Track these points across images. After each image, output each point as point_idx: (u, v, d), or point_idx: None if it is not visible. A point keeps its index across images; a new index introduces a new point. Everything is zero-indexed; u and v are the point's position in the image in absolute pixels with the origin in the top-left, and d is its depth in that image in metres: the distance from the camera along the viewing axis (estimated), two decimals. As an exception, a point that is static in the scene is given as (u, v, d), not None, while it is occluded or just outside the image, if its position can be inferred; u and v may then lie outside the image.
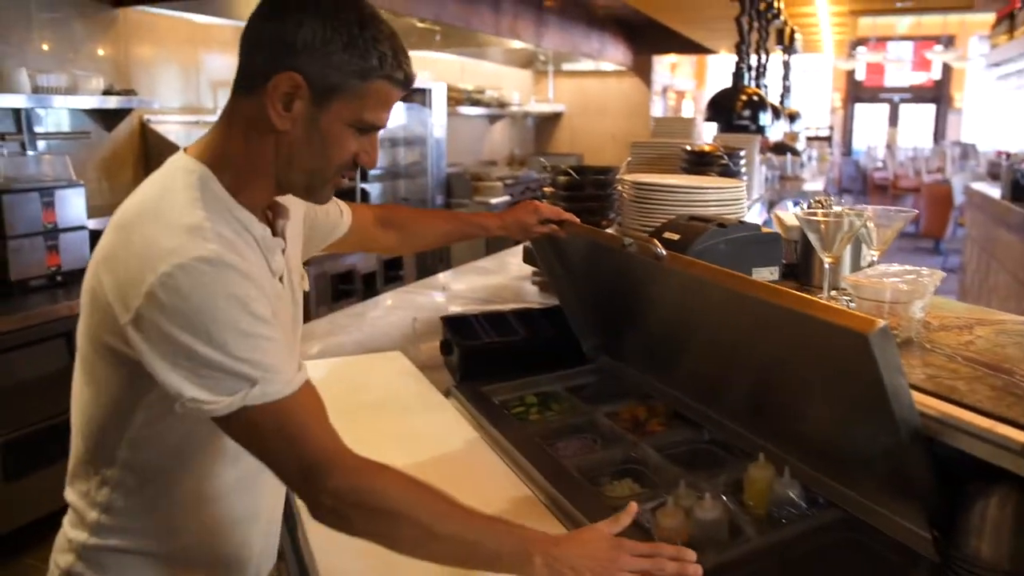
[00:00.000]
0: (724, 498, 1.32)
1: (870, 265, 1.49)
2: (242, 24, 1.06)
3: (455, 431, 1.69)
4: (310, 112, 1.02)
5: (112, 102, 3.64)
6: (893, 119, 16.24)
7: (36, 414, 2.99)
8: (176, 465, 1.09)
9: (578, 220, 1.72)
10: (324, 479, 0.98)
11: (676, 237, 1.62)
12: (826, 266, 1.46)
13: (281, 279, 1.13)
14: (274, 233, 1.12)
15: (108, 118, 3.81)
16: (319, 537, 1.27)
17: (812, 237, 1.45)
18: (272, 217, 1.14)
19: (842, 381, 1.14)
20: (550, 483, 1.42)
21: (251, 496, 1.18)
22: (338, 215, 1.50)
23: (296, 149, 1.04)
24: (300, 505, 1.09)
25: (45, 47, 3.58)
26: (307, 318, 2.00)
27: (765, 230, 1.70)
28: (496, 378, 1.90)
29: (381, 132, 1.12)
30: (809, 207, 1.56)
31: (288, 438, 0.98)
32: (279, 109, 1.00)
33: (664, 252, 1.39)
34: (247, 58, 1.03)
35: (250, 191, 1.06)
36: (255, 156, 1.05)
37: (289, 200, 1.18)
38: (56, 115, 3.60)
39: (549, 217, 1.72)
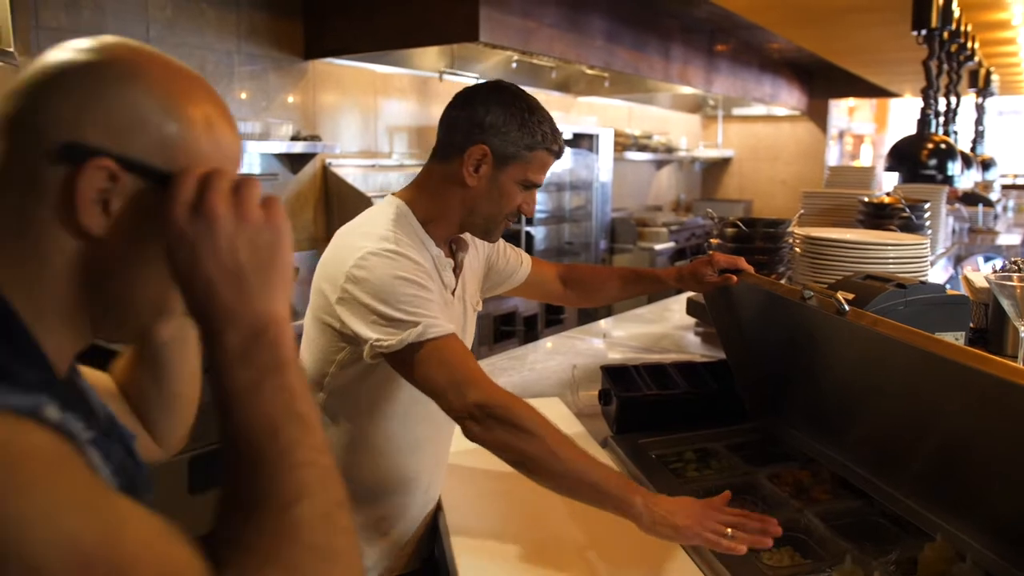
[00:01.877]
0: (896, 579, 1.23)
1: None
2: (416, 73, 1.27)
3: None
4: (493, 174, 1.43)
5: (299, 147, 3.94)
6: (1107, 164, 14.67)
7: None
8: (359, 414, 1.46)
9: (753, 270, 1.72)
10: (470, 393, 1.26)
11: (851, 297, 1.55)
12: (1022, 335, 1.34)
13: (453, 293, 1.52)
14: (455, 260, 1.53)
15: (295, 161, 4.12)
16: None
17: (1005, 304, 1.35)
18: (455, 249, 1.55)
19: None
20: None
21: (416, 457, 1.53)
22: (517, 264, 1.82)
23: (479, 200, 1.45)
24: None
25: (243, 96, 3.93)
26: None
27: (951, 292, 1.59)
28: (654, 431, 1.87)
29: (548, 177, 1.50)
30: (1003, 269, 1.46)
31: (441, 364, 1.29)
32: (471, 171, 1.42)
33: (847, 307, 1.34)
34: (445, 136, 1.46)
35: (436, 226, 1.47)
36: (445, 203, 1.46)
37: (474, 241, 1.61)
38: (249, 158, 3.94)
39: (725, 267, 1.74)
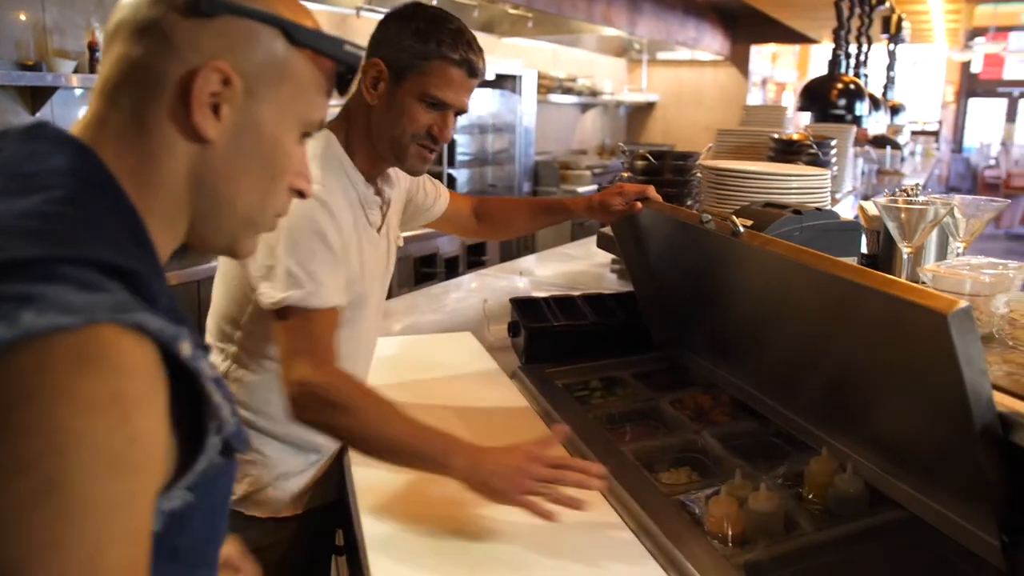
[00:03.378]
0: (781, 490, 1.28)
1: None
2: (332, 9, 1.17)
3: (515, 409, 1.70)
4: (390, 90, 1.34)
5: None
6: (1011, 115, 15.29)
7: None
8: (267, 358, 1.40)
9: (661, 199, 1.71)
10: (299, 370, 1.22)
11: (749, 223, 1.58)
12: (904, 257, 1.39)
13: (380, 231, 1.47)
14: (382, 198, 1.47)
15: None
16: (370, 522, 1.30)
17: (891, 226, 1.39)
18: (382, 184, 1.48)
19: (917, 371, 1.09)
20: (604, 466, 1.41)
21: None
22: (435, 197, 1.77)
23: (380, 121, 1.36)
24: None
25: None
26: (389, 296, 2.05)
27: (844, 219, 1.63)
28: (562, 362, 1.89)
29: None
30: (893, 195, 1.50)
31: (298, 334, 1.26)
32: (369, 88, 1.35)
33: (742, 228, 1.36)
34: None
35: (358, 157, 1.40)
36: (358, 129, 1.39)
37: (399, 175, 1.55)
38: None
39: (634, 197, 1.72)
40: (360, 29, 4.66)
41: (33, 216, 0.54)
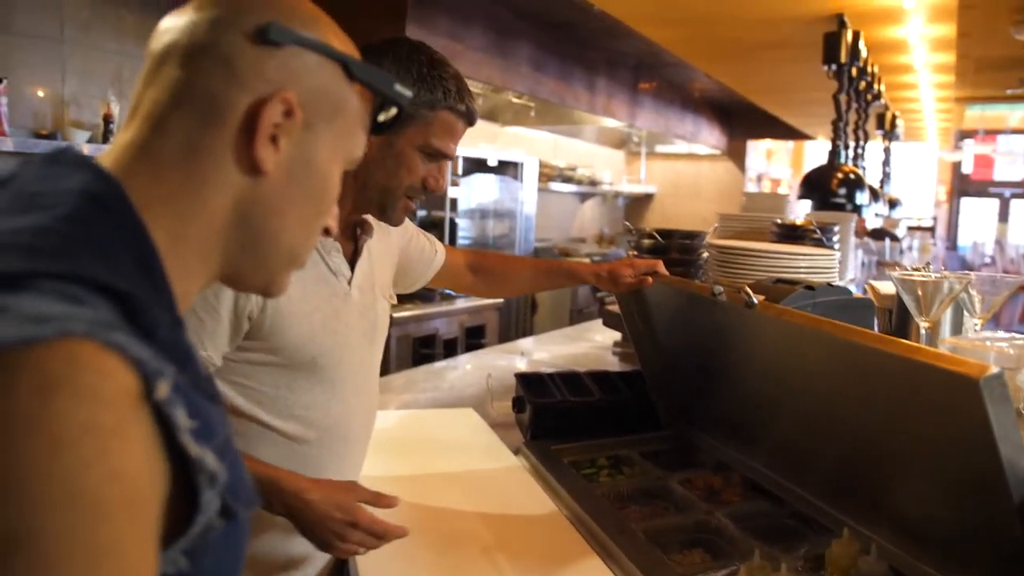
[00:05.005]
0: (803, 573, 1.22)
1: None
2: None
3: (520, 486, 1.64)
4: (387, 138, 1.21)
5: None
6: (1004, 214, 15.55)
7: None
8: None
9: (670, 275, 1.70)
10: None
11: (761, 299, 1.56)
12: (923, 331, 1.37)
13: (350, 283, 1.32)
14: (357, 246, 1.35)
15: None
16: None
17: (908, 299, 1.37)
18: (359, 232, 1.36)
19: (946, 444, 1.05)
20: (615, 544, 1.34)
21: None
22: (432, 253, 1.68)
23: (373, 169, 1.23)
24: None
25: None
26: (384, 373, 2.00)
27: (857, 295, 1.62)
28: (568, 439, 1.84)
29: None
30: (905, 271, 1.48)
31: None
32: None
33: (756, 300, 1.33)
34: None
35: None
36: None
37: (389, 230, 1.43)
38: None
39: (644, 271, 1.70)
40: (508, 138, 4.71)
41: (25, 232, 0.50)
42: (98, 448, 0.43)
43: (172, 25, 0.65)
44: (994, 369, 0.86)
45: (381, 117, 0.75)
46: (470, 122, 1.30)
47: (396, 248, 1.54)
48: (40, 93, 3.22)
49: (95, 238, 0.53)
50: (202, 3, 0.65)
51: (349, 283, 1.33)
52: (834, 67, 3.52)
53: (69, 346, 0.43)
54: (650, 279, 1.68)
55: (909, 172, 13.42)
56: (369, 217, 1.36)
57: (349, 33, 0.71)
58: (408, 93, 0.71)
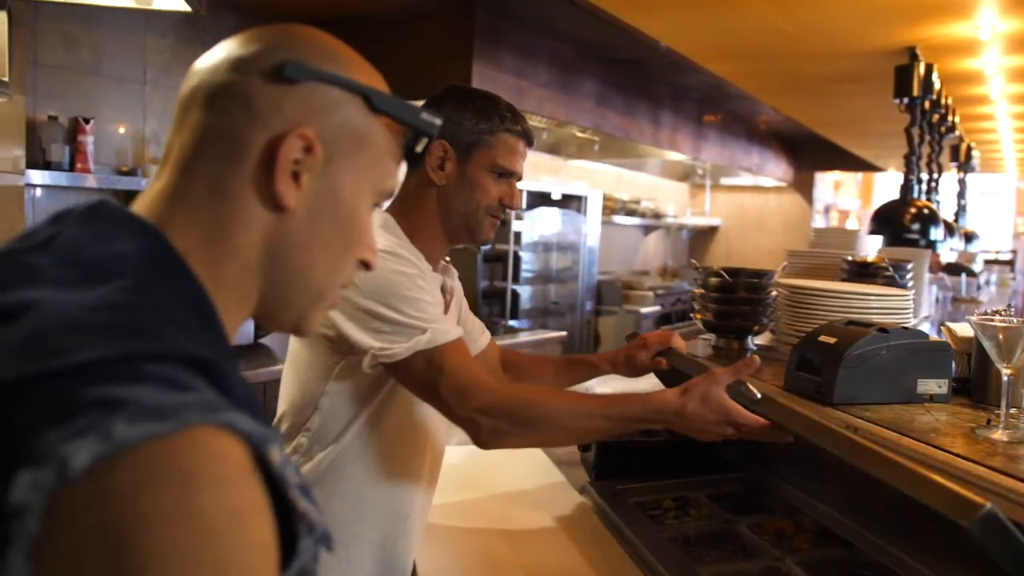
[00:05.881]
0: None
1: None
2: None
3: (585, 527, 1.63)
4: (459, 168, 1.41)
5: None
6: (1088, 247, 14.89)
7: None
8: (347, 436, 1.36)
9: (684, 347, 1.69)
10: (476, 399, 1.25)
11: (832, 340, 1.53)
12: (1005, 379, 1.32)
13: (447, 314, 1.45)
14: (442, 287, 1.47)
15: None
16: None
17: (988, 345, 1.33)
18: (444, 275, 1.50)
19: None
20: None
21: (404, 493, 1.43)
22: (479, 332, 1.74)
23: (452, 197, 1.41)
24: None
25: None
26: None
27: (933, 339, 1.58)
28: (634, 479, 1.83)
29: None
30: (984, 315, 1.44)
31: (449, 373, 1.26)
32: (436, 169, 1.40)
33: (759, 395, 1.31)
34: None
35: (422, 239, 1.41)
36: (423, 211, 1.43)
37: (457, 286, 1.57)
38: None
39: (658, 347, 1.68)
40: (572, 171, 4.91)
41: (103, 309, 0.51)
42: (243, 528, 0.46)
43: (198, 69, 0.66)
44: (986, 507, 0.85)
45: (418, 148, 0.74)
46: (528, 141, 1.46)
47: (463, 302, 1.63)
48: (122, 130, 3.39)
49: (167, 306, 0.55)
50: (225, 45, 0.66)
51: (445, 313, 1.47)
52: (906, 100, 3.46)
53: (192, 436, 0.46)
54: (664, 361, 1.66)
55: (987, 203, 13.00)
56: (450, 267, 1.54)
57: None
58: (437, 121, 0.70)
